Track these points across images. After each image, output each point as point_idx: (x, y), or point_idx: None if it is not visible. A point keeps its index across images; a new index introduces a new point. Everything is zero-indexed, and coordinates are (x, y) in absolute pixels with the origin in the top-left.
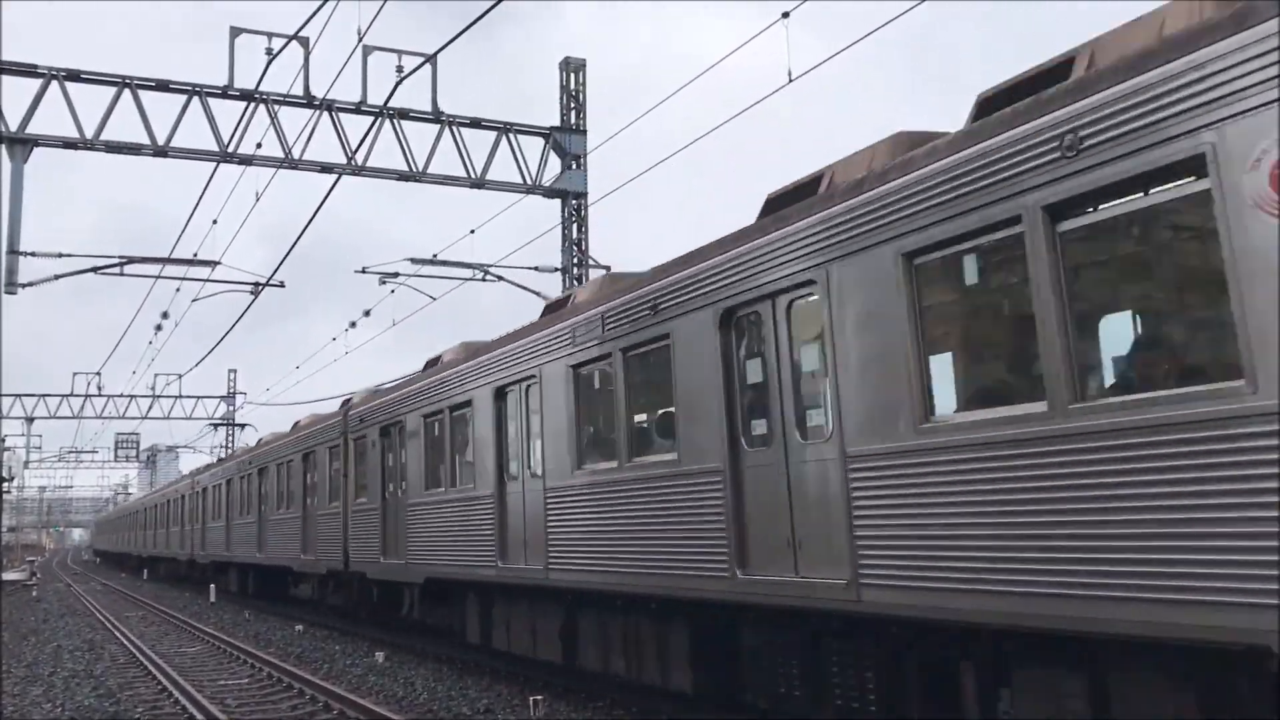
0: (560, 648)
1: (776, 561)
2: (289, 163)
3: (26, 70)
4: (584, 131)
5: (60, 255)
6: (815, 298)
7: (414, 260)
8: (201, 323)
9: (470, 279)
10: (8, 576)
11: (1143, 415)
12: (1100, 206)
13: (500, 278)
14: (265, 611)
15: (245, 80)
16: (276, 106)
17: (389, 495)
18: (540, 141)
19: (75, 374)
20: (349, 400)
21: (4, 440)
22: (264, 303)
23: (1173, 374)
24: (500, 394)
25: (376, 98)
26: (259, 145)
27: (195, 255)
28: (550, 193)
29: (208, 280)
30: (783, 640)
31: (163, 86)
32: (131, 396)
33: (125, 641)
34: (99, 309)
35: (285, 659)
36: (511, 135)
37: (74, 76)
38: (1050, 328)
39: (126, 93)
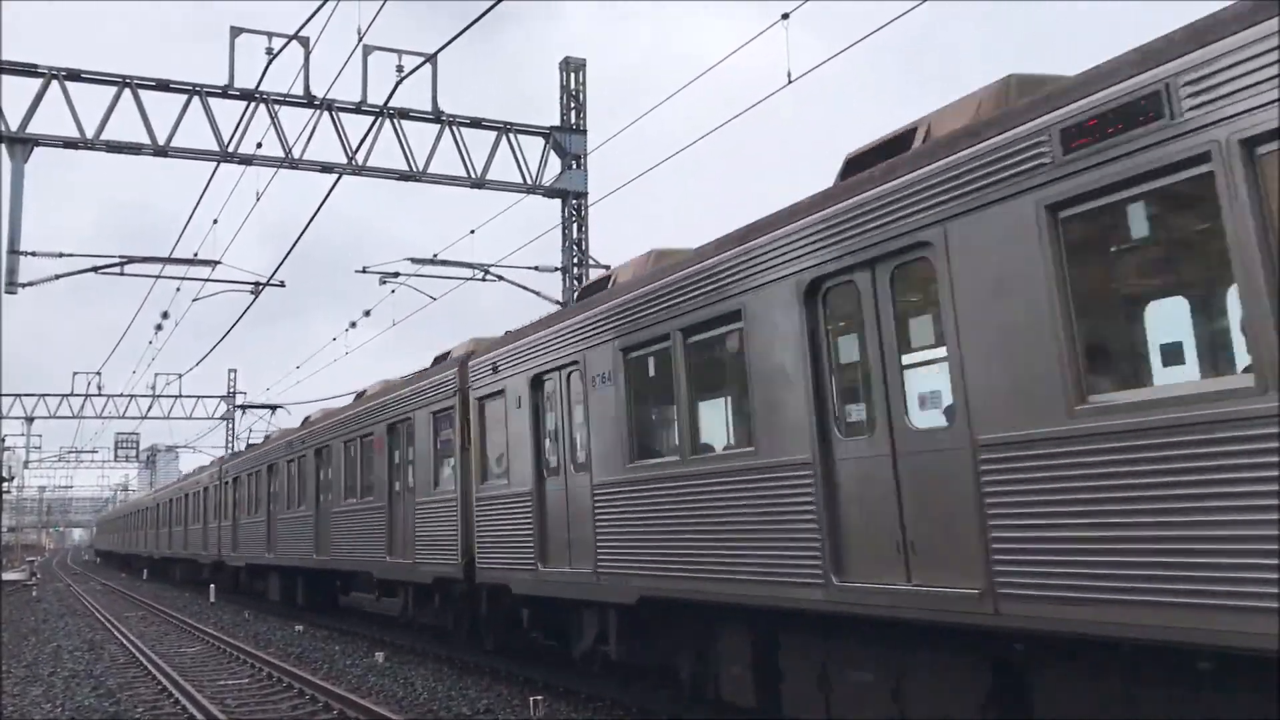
0: None
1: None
2: (289, 163)
3: (27, 70)
4: (584, 131)
5: (60, 255)
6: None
7: (414, 260)
8: (201, 322)
9: (470, 279)
10: (8, 576)
11: None
12: None
13: (500, 278)
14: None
15: (245, 80)
16: (277, 106)
17: (553, 473)
18: (540, 141)
19: (75, 374)
20: (444, 356)
21: (4, 440)
22: (264, 302)
23: None
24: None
25: (376, 97)
26: (259, 145)
27: (195, 255)
28: (550, 193)
29: (208, 280)
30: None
31: (163, 86)
32: (131, 396)
33: (125, 641)
34: (99, 309)
35: (285, 659)
36: (511, 135)
37: (74, 76)
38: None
39: (127, 92)
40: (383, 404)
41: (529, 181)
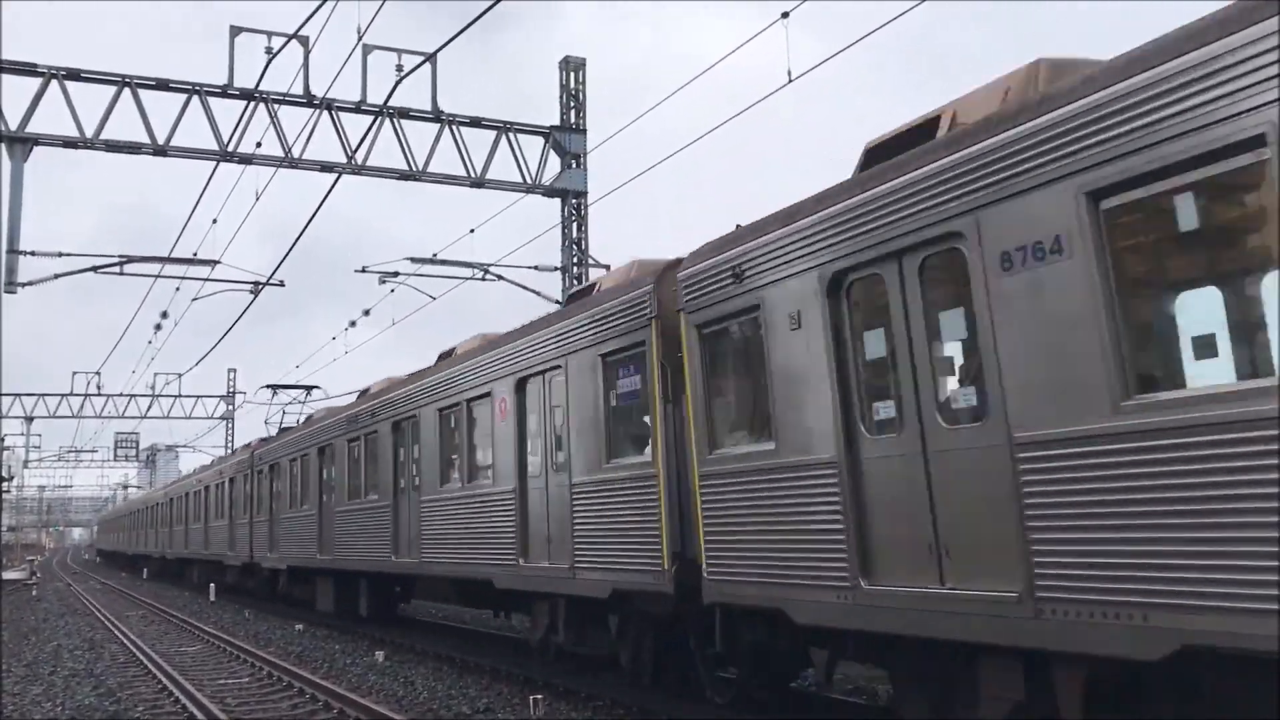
0: None
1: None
2: (289, 162)
3: (26, 69)
4: (584, 131)
5: (60, 254)
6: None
7: (414, 260)
8: (201, 322)
9: (470, 278)
10: (8, 576)
11: None
12: None
13: (500, 277)
14: (268, 613)
15: (245, 79)
16: (276, 106)
17: (880, 428)
18: (540, 141)
19: (75, 373)
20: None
21: (4, 439)
22: (264, 302)
23: None
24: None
25: (376, 97)
26: (259, 144)
27: (195, 254)
28: (550, 192)
29: (207, 279)
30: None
31: (163, 86)
32: (131, 396)
33: (125, 641)
34: (99, 309)
35: (285, 658)
36: (511, 134)
37: (74, 76)
38: None
39: (126, 92)
40: (507, 353)
41: (529, 181)
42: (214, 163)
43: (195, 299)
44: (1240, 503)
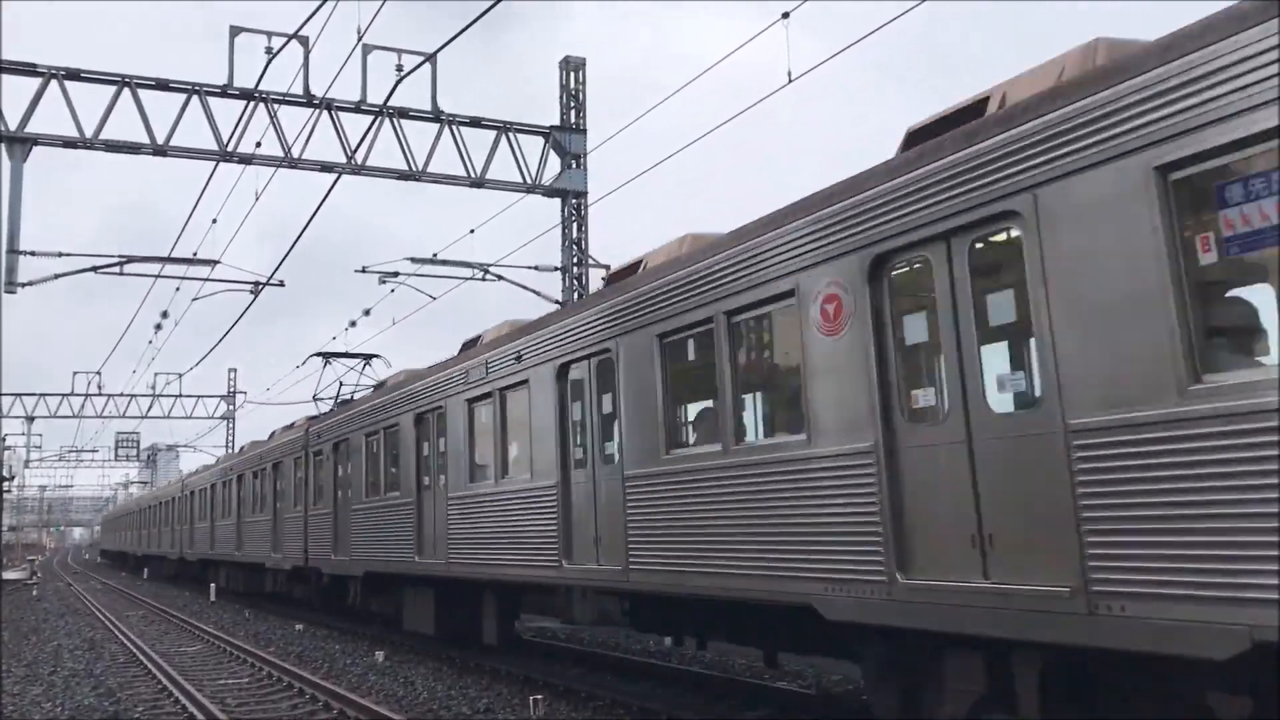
0: None
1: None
2: (289, 162)
3: (26, 69)
4: (584, 131)
5: (60, 254)
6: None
7: (414, 259)
8: (201, 322)
9: (470, 278)
10: (8, 575)
11: None
12: None
13: (500, 277)
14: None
15: (245, 79)
16: (276, 106)
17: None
18: (540, 141)
19: (75, 373)
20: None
21: (4, 439)
22: (264, 302)
23: None
24: None
25: (376, 97)
26: (259, 144)
27: (195, 254)
28: (550, 192)
29: (207, 279)
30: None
31: (162, 86)
32: (132, 396)
33: (125, 641)
34: (99, 309)
35: (285, 658)
36: (511, 134)
37: (74, 75)
38: None
39: (126, 92)
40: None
41: (529, 181)
42: (214, 163)
43: (195, 299)
44: None
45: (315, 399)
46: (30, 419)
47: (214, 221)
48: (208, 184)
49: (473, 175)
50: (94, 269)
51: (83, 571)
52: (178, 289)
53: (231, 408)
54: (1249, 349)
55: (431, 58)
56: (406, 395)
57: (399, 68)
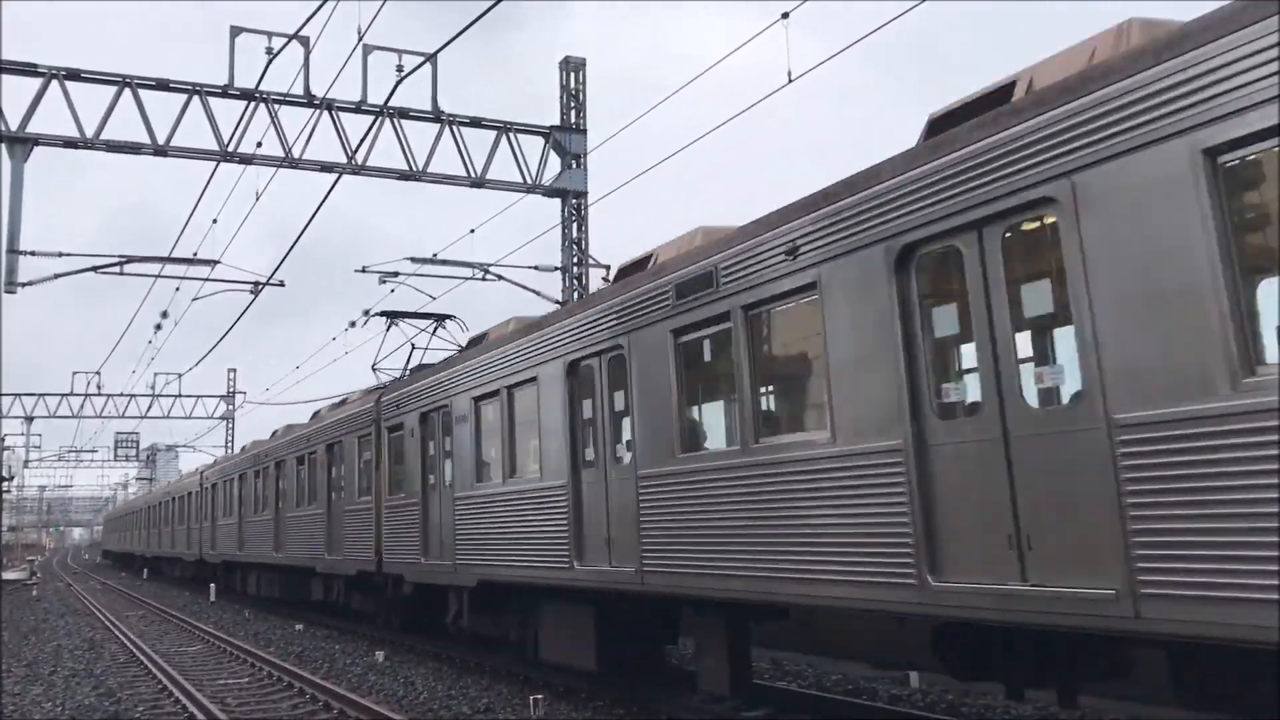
0: None
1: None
2: (289, 162)
3: (26, 69)
4: (584, 131)
5: (60, 254)
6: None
7: (414, 260)
8: (201, 322)
9: (470, 278)
10: (8, 576)
11: None
12: None
13: (500, 277)
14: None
15: (245, 80)
16: (276, 106)
17: None
18: (540, 141)
19: (75, 373)
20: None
21: (4, 439)
22: (264, 302)
23: None
24: None
25: (376, 97)
26: (259, 145)
27: (195, 254)
28: (550, 192)
29: (207, 280)
30: None
31: (163, 86)
32: (131, 396)
33: (125, 641)
34: (99, 309)
35: (285, 658)
36: (511, 134)
37: (74, 76)
38: None
39: (127, 92)
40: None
41: (529, 181)
42: (214, 163)
43: (195, 299)
44: None
45: (375, 368)
46: (30, 419)
47: (214, 222)
48: (208, 184)
49: (473, 175)
50: (94, 269)
51: (82, 572)
52: (178, 289)
53: (231, 408)
54: None
55: (432, 58)
56: (549, 337)
57: (399, 68)
